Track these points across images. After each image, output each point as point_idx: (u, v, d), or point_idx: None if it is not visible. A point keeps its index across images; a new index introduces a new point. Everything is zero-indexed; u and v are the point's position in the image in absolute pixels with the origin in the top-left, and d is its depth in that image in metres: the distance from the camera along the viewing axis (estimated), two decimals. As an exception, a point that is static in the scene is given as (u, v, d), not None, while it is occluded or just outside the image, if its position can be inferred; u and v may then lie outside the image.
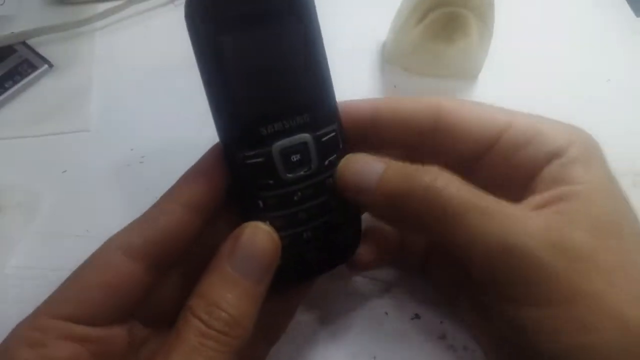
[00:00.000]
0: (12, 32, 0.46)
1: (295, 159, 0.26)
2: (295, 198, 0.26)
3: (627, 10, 0.53)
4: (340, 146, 0.27)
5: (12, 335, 0.23)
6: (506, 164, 0.27)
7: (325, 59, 0.27)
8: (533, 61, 0.48)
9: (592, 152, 0.25)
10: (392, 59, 0.46)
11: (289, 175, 0.26)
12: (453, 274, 0.30)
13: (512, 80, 0.46)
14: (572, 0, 0.54)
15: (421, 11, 0.40)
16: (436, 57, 0.43)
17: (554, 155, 0.25)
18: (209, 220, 0.27)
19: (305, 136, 0.26)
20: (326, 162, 0.27)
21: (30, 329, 0.23)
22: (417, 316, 0.33)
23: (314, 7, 0.26)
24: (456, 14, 0.39)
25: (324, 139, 0.26)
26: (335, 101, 0.27)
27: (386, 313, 0.33)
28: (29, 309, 0.24)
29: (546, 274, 0.21)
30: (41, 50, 0.45)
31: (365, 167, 0.26)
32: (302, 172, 0.26)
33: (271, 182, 0.26)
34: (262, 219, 0.26)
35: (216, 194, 0.26)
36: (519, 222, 0.22)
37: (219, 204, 0.27)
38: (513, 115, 0.27)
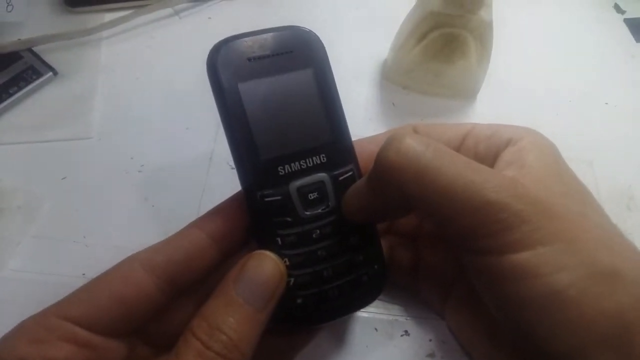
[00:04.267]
0: (19, 39, 0.46)
1: (312, 197, 0.27)
2: (314, 236, 0.27)
3: (628, 35, 0.54)
4: None
5: (17, 328, 0.24)
6: (473, 155, 0.29)
7: (340, 104, 0.28)
8: (532, 82, 0.48)
9: (543, 145, 0.28)
10: (391, 77, 0.47)
11: (307, 213, 0.27)
12: (441, 281, 0.31)
13: (511, 101, 0.47)
14: (573, 24, 0.55)
15: (421, 31, 0.41)
16: (435, 77, 0.44)
17: (508, 143, 0.28)
18: (228, 256, 0.27)
19: (322, 175, 0.27)
20: None
21: (36, 326, 0.24)
22: (406, 333, 0.33)
23: (327, 57, 0.28)
24: (455, 35, 0.40)
25: (341, 177, 0.28)
26: (351, 142, 0.29)
27: (376, 329, 0.34)
28: (25, 312, 0.24)
29: (521, 220, 0.22)
30: (47, 58, 0.46)
31: (356, 183, 0.27)
32: (320, 210, 0.27)
33: (289, 219, 0.27)
34: (281, 256, 0.26)
35: (237, 231, 0.27)
36: (492, 177, 0.23)
37: (240, 242, 0.28)
38: (474, 123, 0.31)
